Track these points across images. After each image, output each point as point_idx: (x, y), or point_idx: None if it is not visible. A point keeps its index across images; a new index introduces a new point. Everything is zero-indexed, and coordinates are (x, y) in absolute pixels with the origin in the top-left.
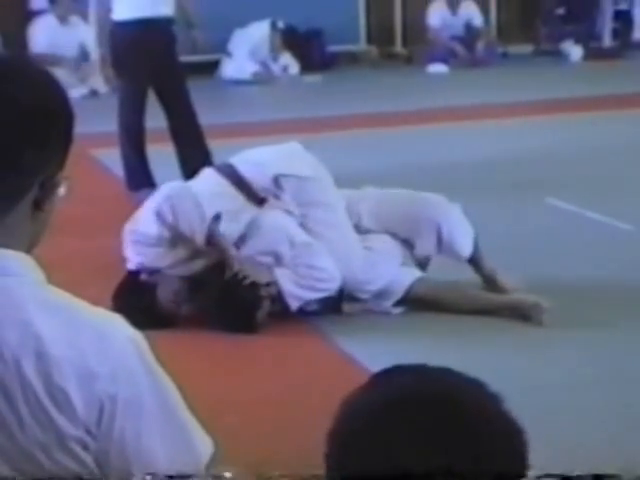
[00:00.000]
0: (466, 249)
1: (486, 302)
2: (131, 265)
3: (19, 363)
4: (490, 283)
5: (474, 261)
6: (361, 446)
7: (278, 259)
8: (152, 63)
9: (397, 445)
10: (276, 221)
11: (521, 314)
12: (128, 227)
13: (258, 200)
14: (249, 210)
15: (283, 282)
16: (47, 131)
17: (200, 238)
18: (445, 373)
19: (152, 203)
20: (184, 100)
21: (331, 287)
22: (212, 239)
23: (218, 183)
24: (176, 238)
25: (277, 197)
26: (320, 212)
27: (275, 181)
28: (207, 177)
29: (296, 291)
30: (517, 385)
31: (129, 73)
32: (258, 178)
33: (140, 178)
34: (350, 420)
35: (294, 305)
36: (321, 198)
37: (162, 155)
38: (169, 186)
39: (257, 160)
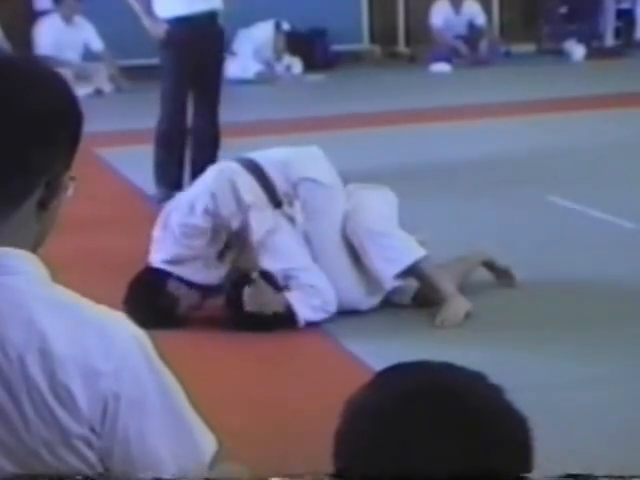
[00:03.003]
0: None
1: (466, 267)
2: (155, 262)
3: (23, 361)
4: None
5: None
6: (369, 445)
7: (284, 278)
8: (192, 61)
9: (405, 442)
10: (284, 241)
11: (492, 270)
12: (172, 219)
13: (275, 203)
14: (268, 214)
15: (296, 304)
16: (54, 131)
17: (235, 223)
18: (447, 368)
19: (188, 195)
20: (215, 101)
21: (332, 309)
22: (244, 228)
23: (246, 179)
24: (216, 228)
25: (291, 204)
26: (324, 224)
27: (294, 186)
28: (235, 171)
29: (307, 313)
30: (517, 383)
31: (170, 72)
32: (282, 181)
33: (166, 177)
34: (357, 419)
35: (302, 323)
36: (329, 208)
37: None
38: (207, 179)
39: (282, 161)
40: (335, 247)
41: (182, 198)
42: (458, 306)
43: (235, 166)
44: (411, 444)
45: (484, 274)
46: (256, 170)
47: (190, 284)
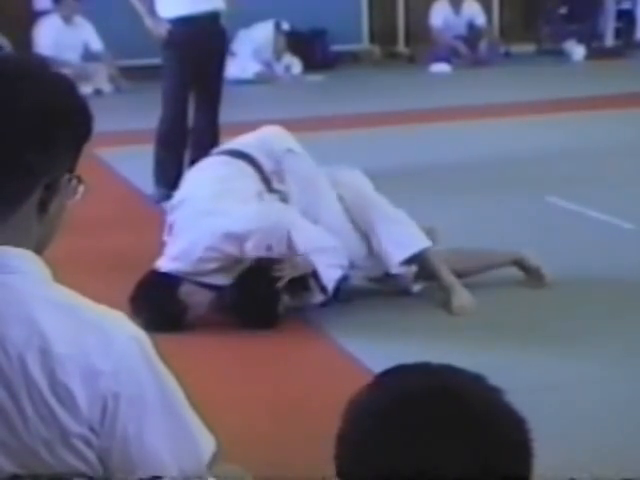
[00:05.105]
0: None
1: (491, 260)
2: (167, 268)
3: (23, 360)
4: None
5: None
6: (371, 446)
7: (291, 249)
8: (194, 61)
9: (406, 443)
10: (284, 214)
11: (523, 269)
12: (203, 241)
13: (269, 188)
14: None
15: (320, 266)
16: (53, 133)
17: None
18: (447, 369)
19: (234, 226)
20: (216, 101)
21: (345, 261)
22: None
23: (242, 168)
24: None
25: (281, 180)
26: (317, 193)
27: (279, 162)
28: (227, 164)
29: (330, 272)
30: (517, 384)
31: (172, 72)
32: (267, 161)
33: (165, 176)
34: (359, 421)
35: (331, 287)
36: (315, 174)
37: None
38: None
39: (259, 144)
40: (333, 209)
41: (219, 222)
42: (465, 294)
43: (289, 212)
44: (412, 446)
45: (481, 274)
46: (245, 157)
47: (206, 285)
